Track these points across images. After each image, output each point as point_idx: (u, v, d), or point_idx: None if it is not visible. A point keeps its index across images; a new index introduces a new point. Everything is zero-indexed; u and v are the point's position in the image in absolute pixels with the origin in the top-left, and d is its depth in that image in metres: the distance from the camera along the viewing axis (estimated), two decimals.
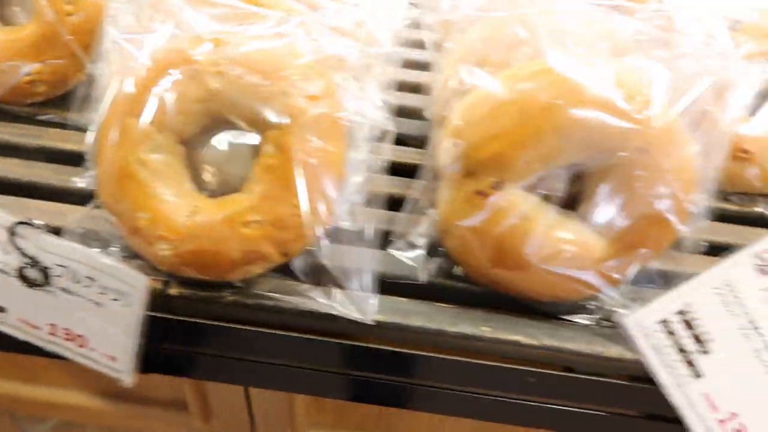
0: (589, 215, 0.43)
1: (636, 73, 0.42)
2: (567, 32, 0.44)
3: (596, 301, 0.46)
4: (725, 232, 0.52)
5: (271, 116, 0.42)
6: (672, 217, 0.41)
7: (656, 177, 0.40)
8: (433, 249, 0.48)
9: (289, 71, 0.43)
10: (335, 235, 0.46)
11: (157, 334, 0.46)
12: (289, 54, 0.43)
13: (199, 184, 0.48)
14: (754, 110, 0.53)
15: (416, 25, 0.59)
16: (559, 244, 0.42)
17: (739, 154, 0.53)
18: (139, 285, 0.43)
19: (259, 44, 0.43)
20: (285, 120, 0.42)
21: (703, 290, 0.42)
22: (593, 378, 0.46)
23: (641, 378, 0.44)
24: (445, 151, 0.43)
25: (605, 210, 0.42)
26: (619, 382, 0.46)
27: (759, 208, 0.54)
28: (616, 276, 0.43)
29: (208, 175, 0.48)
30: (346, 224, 0.46)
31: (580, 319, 0.46)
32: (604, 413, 0.49)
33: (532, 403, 0.48)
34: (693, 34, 0.47)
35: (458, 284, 0.47)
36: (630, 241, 0.42)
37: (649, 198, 0.40)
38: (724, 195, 0.55)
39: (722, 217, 0.54)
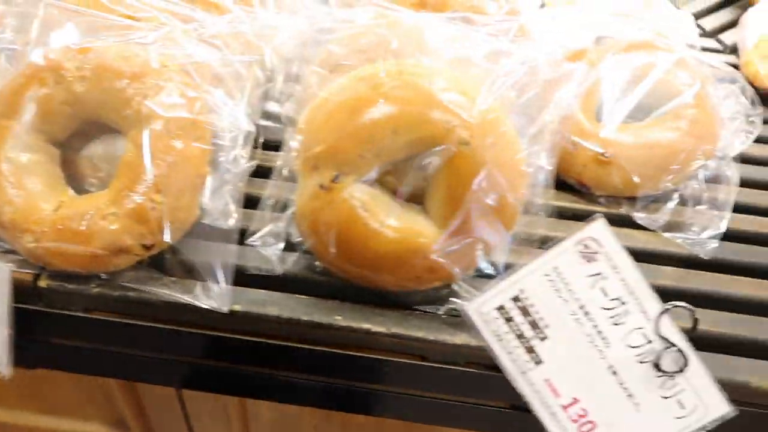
0: (427, 207, 0.46)
1: (466, 76, 0.45)
2: (411, 41, 0.47)
3: (448, 291, 0.48)
4: None
5: (131, 117, 0.46)
6: (499, 207, 0.44)
7: (480, 169, 0.43)
8: (298, 244, 0.50)
9: (150, 76, 0.46)
10: (198, 230, 0.48)
11: (30, 326, 0.48)
12: (152, 60, 0.47)
13: (81, 185, 0.51)
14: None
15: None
16: (393, 234, 0.44)
17: (601, 158, 0.55)
18: (2, 275, 0.45)
19: (123, 51, 0.47)
20: (144, 121, 0.45)
21: (535, 277, 0.44)
22: (446, 366, 0.48)
23: (495, 367, 0.46)
24: (293, 149, 0.46)
25: (440, 202, 0.45)
26: (470, 370, 0.48)
27: (623, 210, 0.57)
28: (455, 265, 0.45)
29: (88, 175, 0.51)
30: (212, 221, 0.48)
31: (432, 309, 0.48)
32: (469, 404, 0.51)
33: (388, 393, 0.50)
34: (538, 41, 0.50)
35: (319, 277, 0.49)
36: (464, 231, 0.44)
37: (476, 189, 0.43)
38: (592, 197, 0.58)
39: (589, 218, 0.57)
